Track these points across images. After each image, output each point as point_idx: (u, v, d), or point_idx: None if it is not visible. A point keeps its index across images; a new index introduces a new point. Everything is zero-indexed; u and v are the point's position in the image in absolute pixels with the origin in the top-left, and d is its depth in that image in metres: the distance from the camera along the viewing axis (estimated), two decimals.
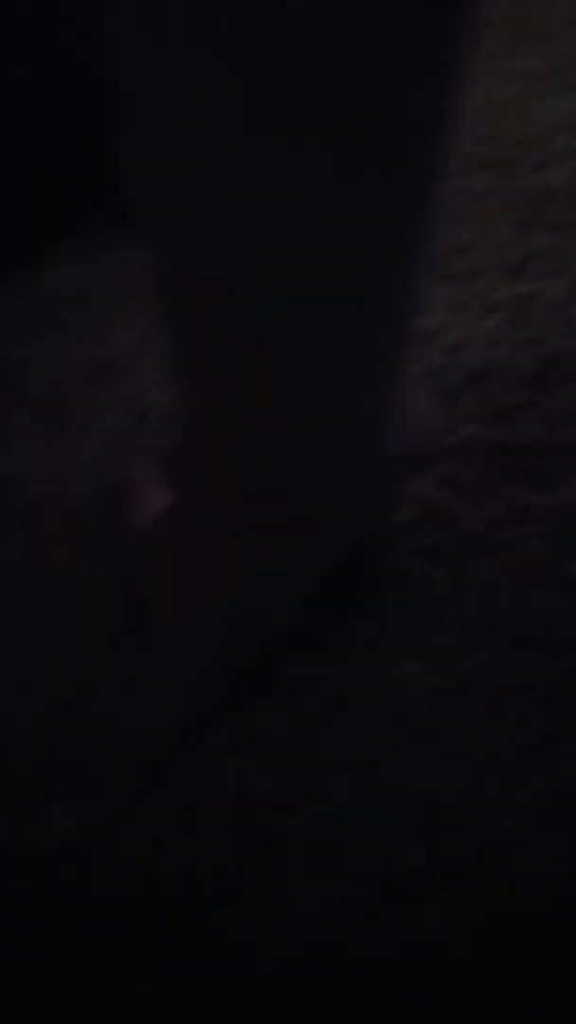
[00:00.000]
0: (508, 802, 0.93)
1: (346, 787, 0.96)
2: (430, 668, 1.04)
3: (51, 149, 1.40)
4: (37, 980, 0.89)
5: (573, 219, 1.66)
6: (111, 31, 0.63)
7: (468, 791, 0.93)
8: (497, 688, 1.01)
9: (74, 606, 1.17)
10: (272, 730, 1.01)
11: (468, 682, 1.01)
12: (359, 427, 0.91)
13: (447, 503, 1.21)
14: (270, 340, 0.75)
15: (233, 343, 0.72)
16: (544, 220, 1.67)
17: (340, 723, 1.01)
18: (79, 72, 1.32)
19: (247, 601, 0.99)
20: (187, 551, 1.00)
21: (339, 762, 0.97)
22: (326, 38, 0.54)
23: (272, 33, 0.54)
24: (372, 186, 0.60)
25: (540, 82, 2.09)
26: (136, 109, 0.66)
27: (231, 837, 0.94)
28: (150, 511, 1.13)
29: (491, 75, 2.15)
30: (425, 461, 1.28)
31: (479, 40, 0.94)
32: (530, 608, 1.09)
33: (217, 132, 0.58)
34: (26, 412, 1.46)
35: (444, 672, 1.03)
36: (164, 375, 1.48)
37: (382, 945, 0.87)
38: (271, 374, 0.79)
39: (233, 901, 0.91)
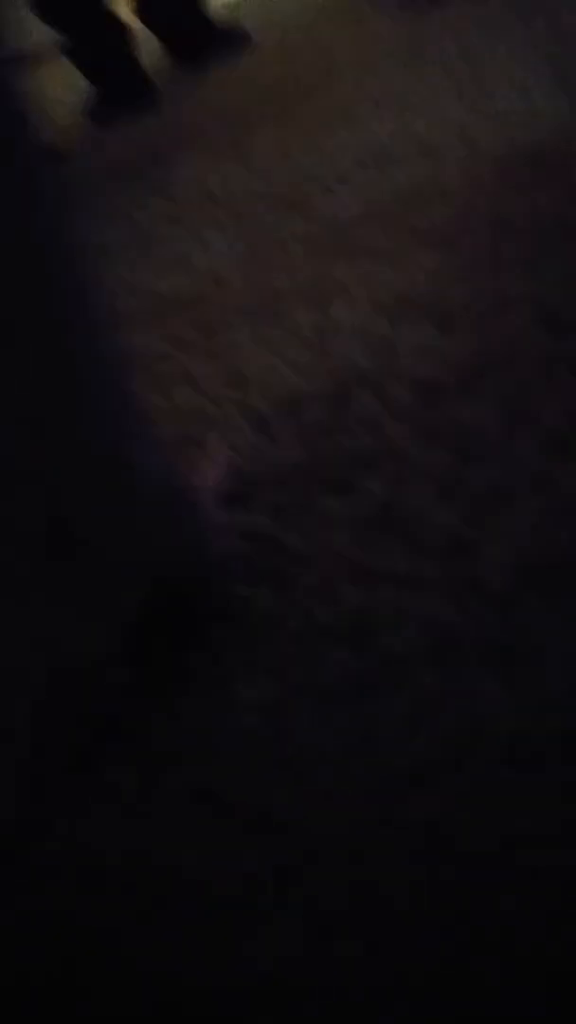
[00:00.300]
0: (331, 800, 0.96)
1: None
2: (263, 686, 1.08)
3: None
4: None
5: None
6: None
7: (296, 794, 0.97)
8: (317, 692, 1.05)
9: None
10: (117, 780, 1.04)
11: (295, 693, 1.06)
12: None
13: (265, 527, 1.26)
14: None
15: None
16: None
17: (184, 761, 1.04)
18: None
19: (67, 658, 1.03)
20: None
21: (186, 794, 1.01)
22: None
23: None
24: None
25: None
26: None
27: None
28: None
29: None
30: (244, 490, 1.33)
31: None
32: (341, 603, 1.13)
33: None
34: None
35: (276, 685, 1.08)
36: None
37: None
38: None
39: None
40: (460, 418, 1.31)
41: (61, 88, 3.62)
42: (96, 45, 3.30)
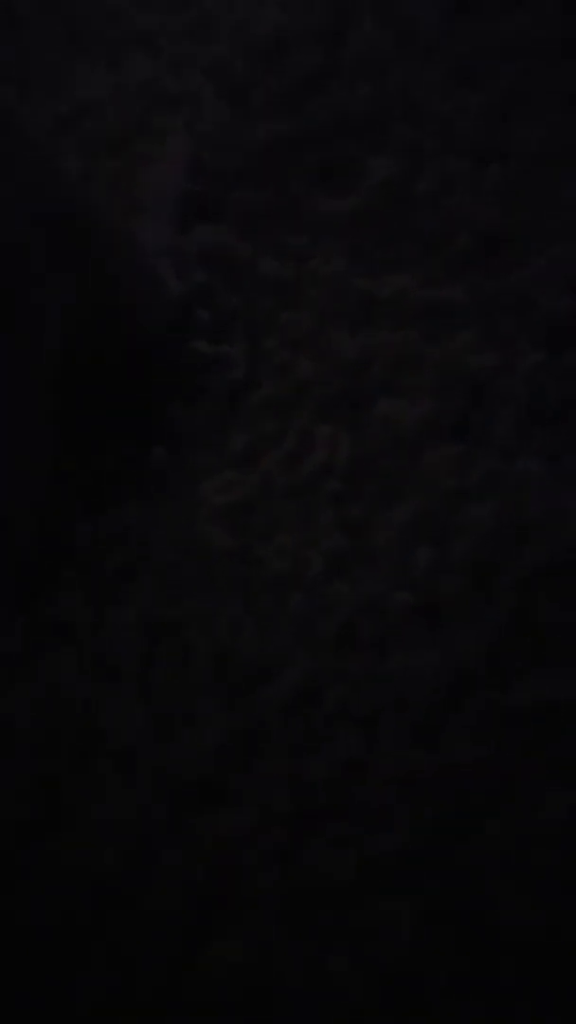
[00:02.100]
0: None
1: None
2: (231, 485, 0.82)
3: None
4: None
5: None
6: None
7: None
8: (295, 490, 0.79)
9: None
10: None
11: (260, 492, 0.79)
12: None
13: (235, 248, 0.94)
14: None
15: None
16: None
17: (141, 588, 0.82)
18: None
19: None
20: None
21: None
22: None
23: None
24: None
25: None
26: None
27: None
28: None
29: None
30: (211, 194, 1.00)
31: None
32: (329, 356, 0.83)
33: None
34: None
35: (246, 483, 0.82)
36: None
37: None
38: None
39: None
40: None
41: None
42: None
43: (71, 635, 0.81)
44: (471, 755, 0.66)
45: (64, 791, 0.74)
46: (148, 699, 0.76)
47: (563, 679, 0.67)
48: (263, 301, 0.90)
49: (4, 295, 0.73)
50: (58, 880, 0.71)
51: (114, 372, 0.87)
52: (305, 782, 0.68)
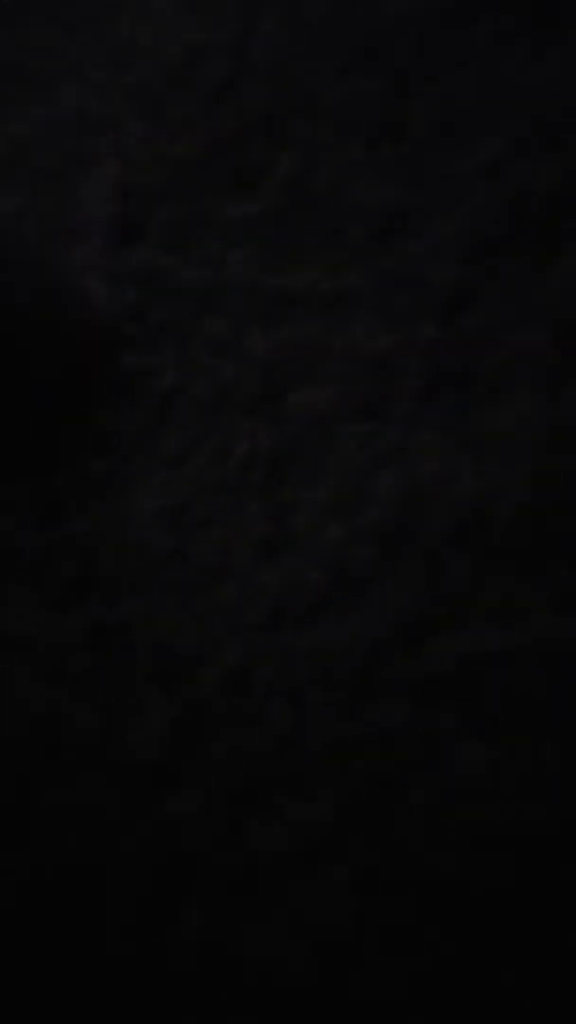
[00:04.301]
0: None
1: None
2: (165, 488, 0.85)
3: None
4: None
5: None
6: None
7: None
8: (225, 486, 0.82)
9: None
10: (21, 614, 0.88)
11: (192, 491, 0.83)
12: None
13: (161, 262, 0.97)
14: None
15: None
16: None
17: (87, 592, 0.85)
18: None
19: None
20: None
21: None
22: None
23: None
24: None
25: None
26: None
27: None
28: None
29: None
30: (138, 213, 1.03)
31: None
32: (247, 356, 0.86)
33: None
34: None
35: (180, 485, 0.85)
36: None
37: None
38: None
39: None
40: None
41: None
42: None
43: (26, 644, 0.85)
44: (392, 720, 0.69)
45: (30, 789, 0.79)
46: (98, 696, 0.80)
47: (473, 635, 0.69)
48: (187, 310, 0.94)
49: None
50: (29, 867, 0.76)
51: (47, 391, 0.92)
52: (244, 760, 0.71)
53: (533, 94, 0.84)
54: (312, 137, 0.91)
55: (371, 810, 0.68)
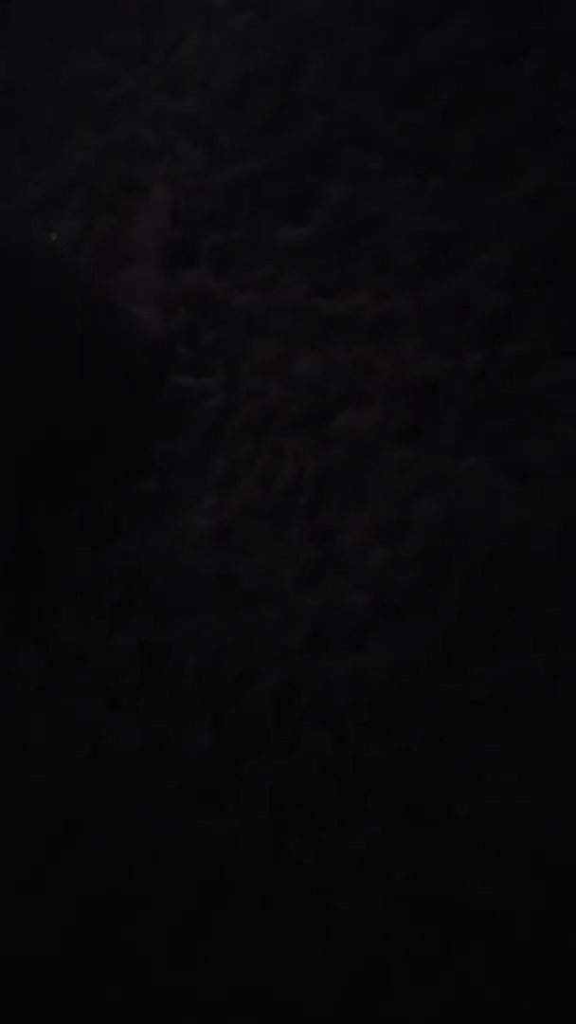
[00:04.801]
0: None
1: None
2: (212, 510, 0.86)
3: None
4: None
5: None
6: None
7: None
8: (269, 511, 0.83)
9: None
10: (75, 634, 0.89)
11: (238, 514, 0.84)
12: None
13: (211, 285, 0.99)
14: None
15: None
16: None
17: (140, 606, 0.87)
18: None
19: None
20: None
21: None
22: None
23: None
24: None
25: None
26: None
27: None
28: None
29: None
30: (189, 237, 1.05)
31: None
32: (296, 380, 0.87)
33: None
34: None
35: (222, 505, 0.86)
36: None
37: None
38: None
39: None
40: None
41: None
42: None
43: (78, 663, 0.87)
44: (431, 745, 0.69)
45: (77, 806, 0.80)
46: (145, 717, 0.81)
47: (513, 663, 0.69)
48: (237, 333, 0.95)
49: None
50: (74, 887, 0.77)
51: (101, 414, 0.93)
52: (283, 783, 0.72)
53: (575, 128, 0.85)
54: (361, 166, 0.93)
55: (408, 835, 0.68)
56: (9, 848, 0.78)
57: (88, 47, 1.36)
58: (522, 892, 0.64)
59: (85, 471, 0.95)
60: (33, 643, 0.89)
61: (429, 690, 0.70)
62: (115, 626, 0.87)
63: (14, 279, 0.84)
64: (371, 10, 1.03)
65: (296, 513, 0.83)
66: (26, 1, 1.48)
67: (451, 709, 0.69)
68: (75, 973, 0.73)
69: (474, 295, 0.81)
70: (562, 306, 0.77)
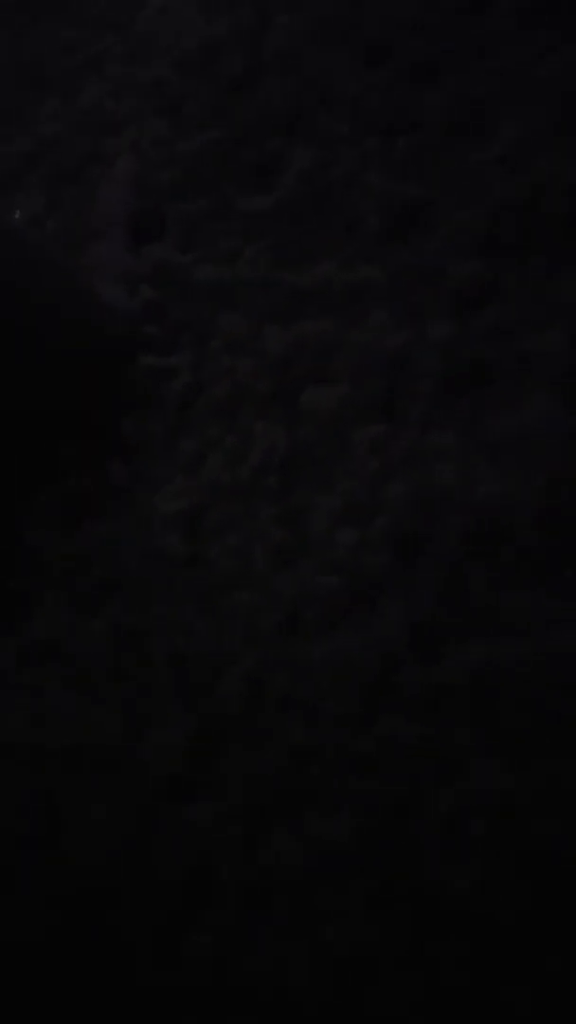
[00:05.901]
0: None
1: None
2: (181, 491, 0.84)
3: None
4: None
5: None
6: None
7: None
8: (240, 491, 0.80)
9: None
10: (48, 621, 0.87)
11: (208, 496, 0.81)
12: None
13: (176, 260, 0.96)
14: None
15: None
16: None
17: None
18: None
19: None
20: None
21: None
22: None
23: None
24: None
25: None
26: None
27: None
28: None
29: None
30: (153, 210, 1.02)
31: None
32: (265, 353, 0.84)
33: None
34: None
35: (191, 487, 0.84)
36: None
37: None
38: None
39: None
40: None
41: None
42: None
43: (52, 651, 0.85)
44: (406, 733, 0.67)
45: (58, 798, 0.78)
46: (120, 706, 0.80)
47: (489, 646, 0.67)
48: (204, 308, 0.92)
49: None
50: (58, 881, 0.75)
51: (69, 394, 0.91)
52: (257, 773, 0.70)
53: (552, 84, 0.81)
54: (327, 130, 0.89)
55: (386, 825, 0.66)
56: None
57: (55, 14, 1.32)
58: (506, 882, 0.62)
59: (53, 453, 0.93)
60: (6, 630, 0.87)
61: (402, 676, 0.68)
62: (88, 611, 0.85)
63: None
64: None
65: (267, 494, 0.80)
66: None
67: (426, 695, 0.68)
68: (59, 970, 0.72)
69: (444, 263, 0.78)
70: (534, 273, 0.74)
